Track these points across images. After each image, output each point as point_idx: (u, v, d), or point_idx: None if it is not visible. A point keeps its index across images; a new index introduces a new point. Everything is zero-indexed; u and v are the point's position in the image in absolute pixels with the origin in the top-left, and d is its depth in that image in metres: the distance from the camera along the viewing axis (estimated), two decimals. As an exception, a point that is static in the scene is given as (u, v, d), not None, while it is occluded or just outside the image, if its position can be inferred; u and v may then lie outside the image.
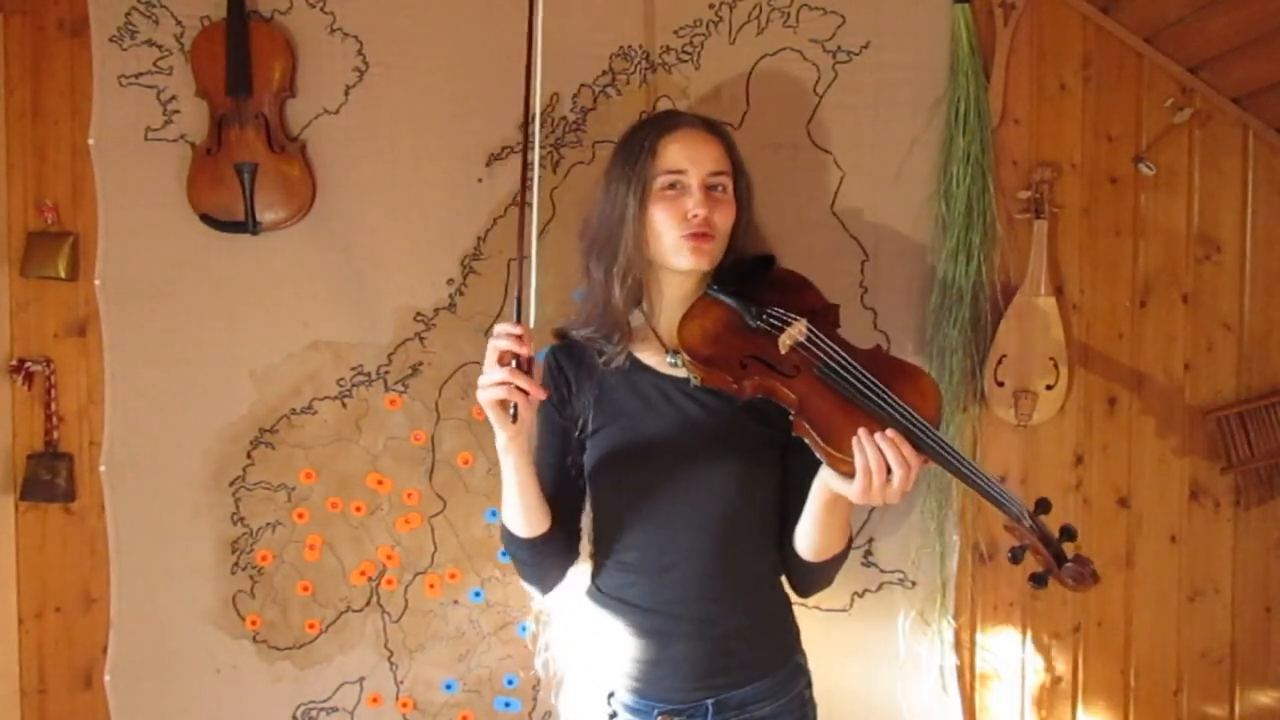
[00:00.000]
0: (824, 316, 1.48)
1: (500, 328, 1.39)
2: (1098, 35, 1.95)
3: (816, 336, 1.42)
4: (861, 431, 1.30)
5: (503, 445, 1.42)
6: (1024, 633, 2.01)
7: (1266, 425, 1.97)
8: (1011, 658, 2.01)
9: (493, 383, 1.37)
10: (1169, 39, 1.90)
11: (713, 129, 1.54)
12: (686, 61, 1.93)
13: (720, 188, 1.50)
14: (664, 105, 1.91)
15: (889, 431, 1.30)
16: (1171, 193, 1.97)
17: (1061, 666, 2.01)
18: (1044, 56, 1.95)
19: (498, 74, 1.91)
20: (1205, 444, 2.00)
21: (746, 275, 1.52)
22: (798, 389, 1.38)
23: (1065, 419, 1.98)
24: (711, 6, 1.92)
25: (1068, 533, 1.32)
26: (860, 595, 1.97)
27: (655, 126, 1.53)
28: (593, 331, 1.53)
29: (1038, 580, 1.33)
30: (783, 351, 1.42)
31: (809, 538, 1.46)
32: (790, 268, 1.58)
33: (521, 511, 1.47)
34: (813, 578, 1.55)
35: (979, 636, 2.01)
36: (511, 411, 1.38)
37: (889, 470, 1.28)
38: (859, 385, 1.36)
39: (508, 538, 1.53)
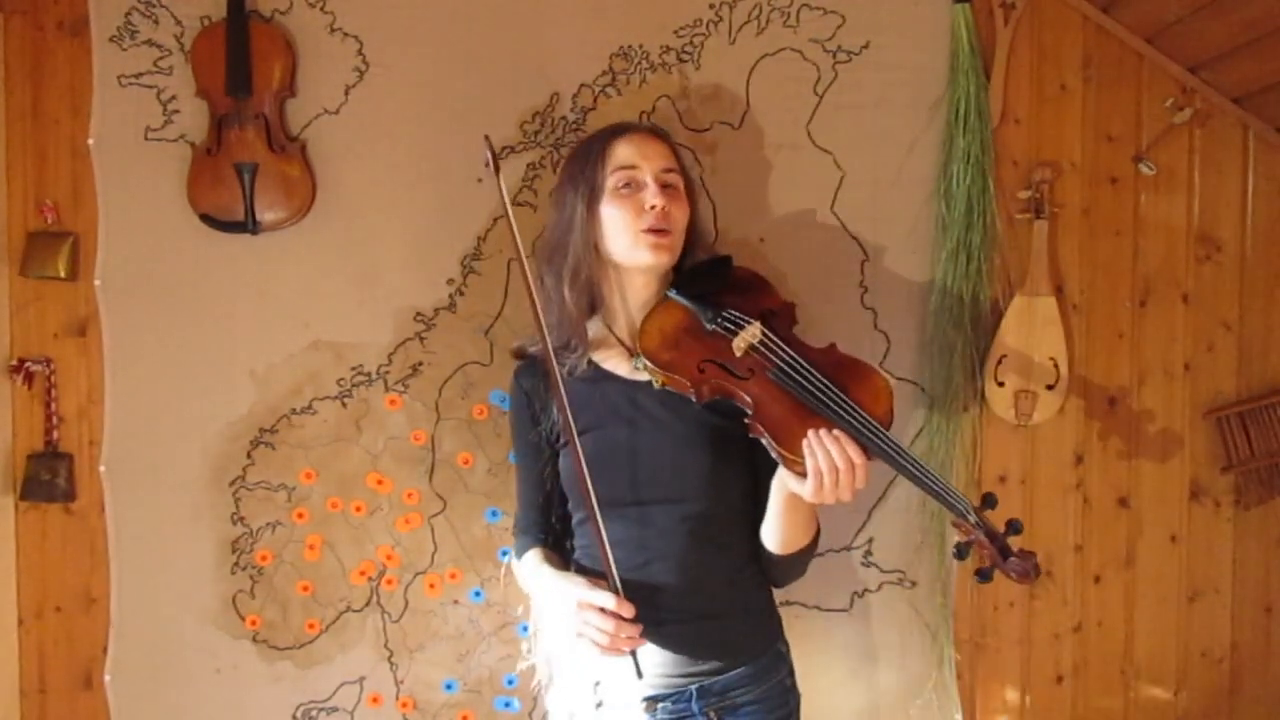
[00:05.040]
0: (780, 316, 1.51)
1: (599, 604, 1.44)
2: (1098, 35, 1.95)
3: (769, 339, 1.45)
4: (811, 433, 1.33)
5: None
6: (1024, 633, 2.01)
7: (1266, 425, 1.97)
8: (1011, 658, 2.01)
9: (597, 633, 1.42)
10: (1169, 39, 1.90)
11: (658, 133, 1.61)
12: (686, 61, 1.93)
13: (673, 186, 1.55)
14: (664, 105, 1.92)
15: (835, 431, 1.34)
16: (1171, 193, 1.97)
17: (1062, 666, 2.01)
18: (1044, 56, 1.95)
19: (498, 74, 1.92)
20: (1205, 444, 2.00)
21: (706, 277, 1.56)
22: (752, 391, 1.41)
23: (1065, 419, 1.98)
24: (711, 6, 1.92)
25: (1013, 527, 1.36)
26: (860, 595, 1.97)
27: (603, 133, 1.58)
28: (551, 342, 1.55)
29: (983, 575, 1.37)
30: (738, 354, 1.44)
31: (774, 533, 1.49)
32: (769, 271, 1.63)
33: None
34: (782, 570, 1.57)
35: (979, 636, 2.01)
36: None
37: (839, 470, 1.32)
38: (810, 387, 1.40)
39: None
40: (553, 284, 1.56)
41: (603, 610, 1.41)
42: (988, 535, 1.35)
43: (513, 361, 1.69)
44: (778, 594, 1.65)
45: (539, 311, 1.48)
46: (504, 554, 1.95)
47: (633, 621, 1.41)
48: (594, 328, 1.59)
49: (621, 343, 1.58)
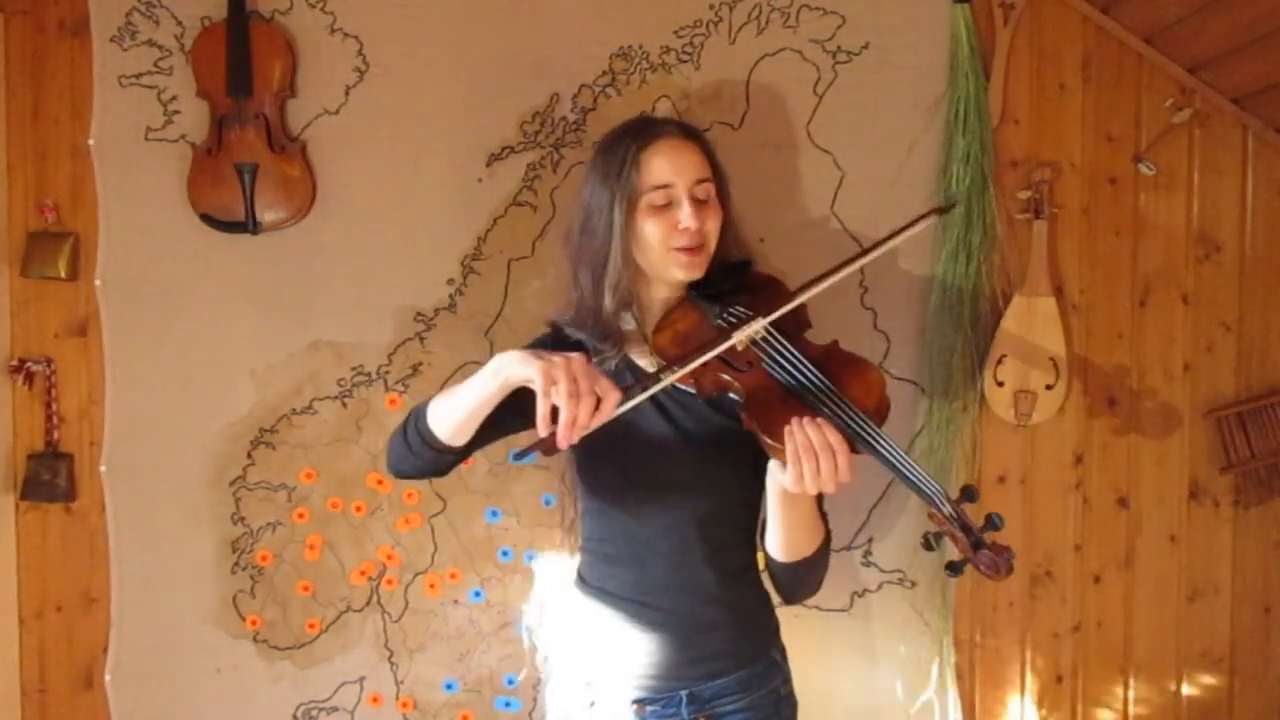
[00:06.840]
0: (790, 316, 1.50)
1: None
2: (1098, 35, 1.95)
3: (771, 334, 1.45)
4: (794, 419, 1.33)
5: (504, 380, 1.33)
6: (1024, 633, 2.01)
7: (1266, 425, 1.97)
8: (1011, 658, 2.01)
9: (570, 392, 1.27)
10: (1169, 39, 1.90)
11: (691, 134, 1.56)
12: (686, 61, 1.93)
13: (706, 196, 1.53)
14: (664, 105, 1.92)
15: (817, 418, 1.33)
16: (1171, 193, 1.97)
17: (1061, 666, 2.02)
18: (1044, 56, 1.95)
19: (498, 74, 1.92)
20: (1205, 444, 2.00)
21: (725, 279, 1.56)
22: (747, 383, 1.42)
23: (1065, 419, 1.98)
24: (711, 7, 1.92)
25: (992, 522, 1.33)
26: (860, 595, 1.97)
27: (635, 137, 1.52)
28: (587, 336, 1.55)
29: (954, 569, 1.34)
30: (739, 348, 1.45)
31: (775, 535, 1.48)
32: (769, 271, 1.60)
33: (459, 424, 1.40)
34: (791, 579, 1.53)
35: (979, 636, 2.01)
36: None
37: (817, 451, 1.30)
38: (797, 376, 1.41)
39: (417, 431, 1.45)
40: (589, 285, 1.53)
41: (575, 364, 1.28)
42: (961, 527, 1.32)
43: None
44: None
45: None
46: (504, 554, 1.96)
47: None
48: (624, 324, 1.58)
49: (646, 339, 1.57)
